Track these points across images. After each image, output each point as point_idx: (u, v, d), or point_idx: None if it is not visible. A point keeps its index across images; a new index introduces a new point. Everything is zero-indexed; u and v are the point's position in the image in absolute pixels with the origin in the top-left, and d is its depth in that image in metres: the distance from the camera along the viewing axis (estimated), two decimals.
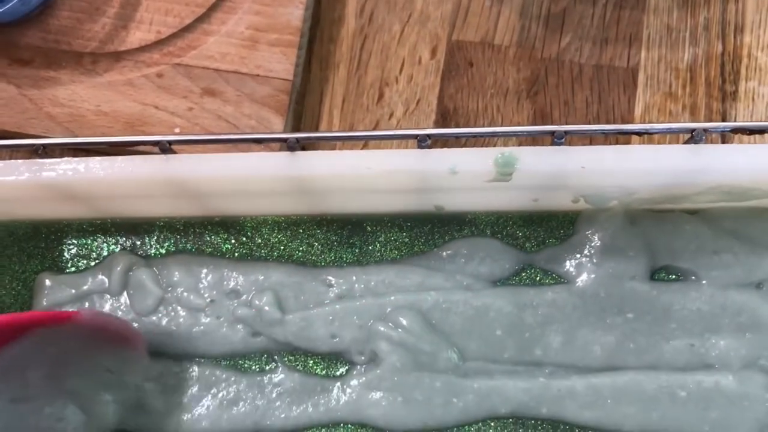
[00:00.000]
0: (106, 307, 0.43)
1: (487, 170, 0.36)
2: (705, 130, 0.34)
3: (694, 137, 0.35)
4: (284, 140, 0.36)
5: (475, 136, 0.35)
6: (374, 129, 0.47)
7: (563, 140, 0.35)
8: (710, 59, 0.48)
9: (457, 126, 0.47)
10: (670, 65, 0.48)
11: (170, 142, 0.36)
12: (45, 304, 0.43)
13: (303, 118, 0.49)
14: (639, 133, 0.35)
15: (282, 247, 0.44)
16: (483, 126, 0.47)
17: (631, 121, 0.47)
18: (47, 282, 0.44)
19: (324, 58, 0.49)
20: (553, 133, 0.35)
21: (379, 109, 0.48)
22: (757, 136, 0.38)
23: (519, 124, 0.47)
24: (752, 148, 0.36)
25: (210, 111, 0.46)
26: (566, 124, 0.39)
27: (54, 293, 0.43)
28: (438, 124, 0.48)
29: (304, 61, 0.48)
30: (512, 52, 0.49)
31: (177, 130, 0.46)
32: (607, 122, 0.47)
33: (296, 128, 0.48)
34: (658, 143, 0.45)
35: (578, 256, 0.41)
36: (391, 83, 0.49)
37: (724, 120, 0.46)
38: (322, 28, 0.50)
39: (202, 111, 0.46)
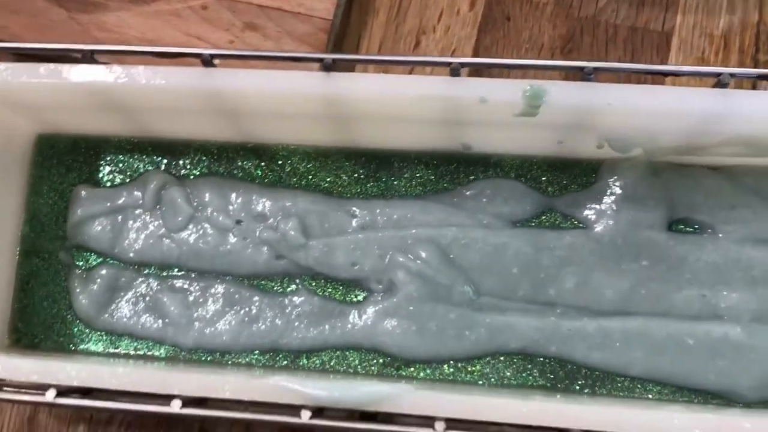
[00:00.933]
0: (139, 222, 0.45)
1: (516, 101, 0.37)
2: (732, 74, 0.35)
3: (720, 81, 0.35)
4: (321, 60, 0.37)
5: (507, 66, 0.37)
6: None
7: (592, 76, 0.36)
8: (746, 28, 0.48)
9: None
10: (705, 31, 0.48)
11: (213, 56, 0.38)
12: (79, 214, 0.45)
13: None
14: (666, 74, 0.36)
15: (310, 176, 0.45)
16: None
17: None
18: (83, 194, 0.45)
19: (364, 3, 0.50)
20: (582, 68, 0.36)
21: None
22: None
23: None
24: None
25: (250, 45, 0.47)
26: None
27: (89, 205, 0.45)
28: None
29: (345, 3, 0.49)
30: (550, 9, 0.49)
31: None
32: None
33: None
34: None
35: (599, 202, 0.42)
36: (428, 32, 0.50)
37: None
38: None
39: (243, 45, 0.48)
